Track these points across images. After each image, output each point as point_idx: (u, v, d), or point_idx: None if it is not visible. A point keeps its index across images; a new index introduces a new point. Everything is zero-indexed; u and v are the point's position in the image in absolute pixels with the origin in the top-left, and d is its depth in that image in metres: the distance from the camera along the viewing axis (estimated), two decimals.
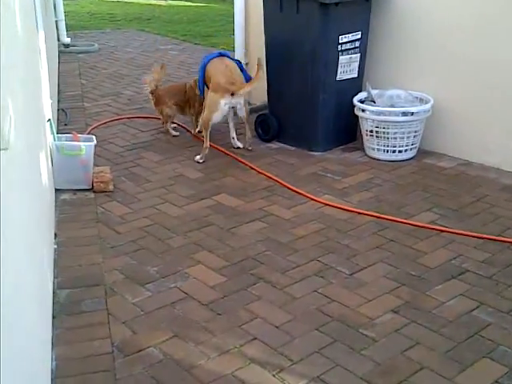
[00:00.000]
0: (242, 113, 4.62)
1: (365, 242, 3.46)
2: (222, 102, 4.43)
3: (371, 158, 4.62)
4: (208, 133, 4.52)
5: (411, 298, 2.94)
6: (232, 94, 4.41)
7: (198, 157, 4.54)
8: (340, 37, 4.53)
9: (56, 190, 3.92)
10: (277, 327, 2.73)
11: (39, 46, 3.70)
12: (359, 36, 4.65)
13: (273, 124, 4.93)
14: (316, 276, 3.12)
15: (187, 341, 2.64)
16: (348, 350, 2.58)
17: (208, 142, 4.54)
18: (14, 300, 1.73)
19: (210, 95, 4.50)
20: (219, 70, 4.53)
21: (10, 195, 1.86)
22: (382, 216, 3.72)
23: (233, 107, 4.57)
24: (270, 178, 4.28)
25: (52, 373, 2.44)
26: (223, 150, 4.73)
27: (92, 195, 3.96)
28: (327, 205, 3.88)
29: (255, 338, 2.66)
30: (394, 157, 4.53)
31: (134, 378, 2.42)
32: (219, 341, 2.64)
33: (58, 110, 5.50)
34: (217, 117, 4.49)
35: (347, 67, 4.67)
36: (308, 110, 4.71)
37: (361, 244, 3.43)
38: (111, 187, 4.01)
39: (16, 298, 1.79)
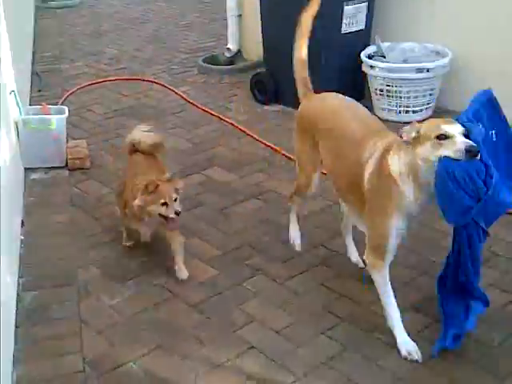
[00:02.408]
0: None
1: None
2: None
3: (381, 119, 4.14)
4: None
5: None
6: None
7: None
8: None
9: (26, 169, 3.47)
10: (277, 332, 2.33)
11: None
12: None
13: (270, 84, 4.44)
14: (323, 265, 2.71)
15: (172, 353, 2.24)
16: (361, 361, 2.18)
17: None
18: None
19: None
20: None
21: None
22: None
23: None
24: (269, 146, 3.82)
25: None
26: (215, 113, 4.25)
27: (66, 173, 3.51)
28: None
29: (252, 347, 2.26)
30: (407, 118, 4.05)
31: None
32: (210, 353, 2.24)
33: (32, 73, 4.99)
34: None
35: (353, 18, 4.15)
36: (309, 66, 4.19)
37: None
38: (88, 164, 3.56)
39: None
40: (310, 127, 2.52)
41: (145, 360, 2.21)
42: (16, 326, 2.36)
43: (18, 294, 2.52)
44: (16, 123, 3.35)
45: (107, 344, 2.29)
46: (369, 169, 2.19)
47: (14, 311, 2.41)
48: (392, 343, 2.24)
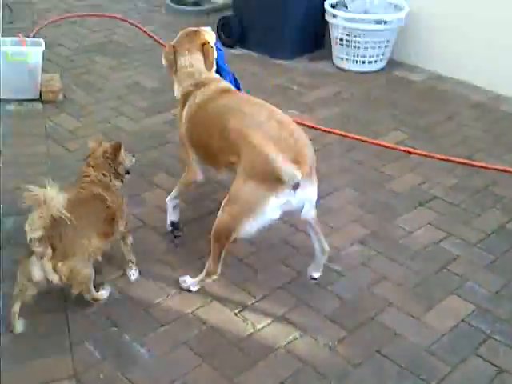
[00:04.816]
0: (311, 214, 2.33)
1: (331, 163, 3.30)
2: (274, 200, 2.16)
3: (339, 68, 4.38)
4: (222, 251, 2.31)
5: (378, 227, 2.84)
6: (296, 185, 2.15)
7: (189, 281, 2.46)
8: None
9: (0, 100, 3.59)
10: (240, 260, 2.61)
11: None
12: None
13: (235, 27, 4.59)
14: None
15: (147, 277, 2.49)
16: (312, 286, 2.48)
17: (218, 267, 2.35)
18: None
19: (244, 186, 2.18)
20: (266, 132, 2.21)
21: None
22: (349, 135, 3.55)
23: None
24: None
25: None
26: None
27: (40, 106, 3.65)
28: None
29: None
30: (363, 68, 4.29)
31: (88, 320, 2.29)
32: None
33: (3, 6, 4.99)
34: (254, 226, 2.22)
35: None
36: (275, 12, 4.37)
37: (327, 165, 3.27)
38: (61, 97, 3.70)
39: None
40: None
41: (118, 281, 2.46)
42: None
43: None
44: None
45: None
46: None
47: None
48: (340, 271, 2.55)
